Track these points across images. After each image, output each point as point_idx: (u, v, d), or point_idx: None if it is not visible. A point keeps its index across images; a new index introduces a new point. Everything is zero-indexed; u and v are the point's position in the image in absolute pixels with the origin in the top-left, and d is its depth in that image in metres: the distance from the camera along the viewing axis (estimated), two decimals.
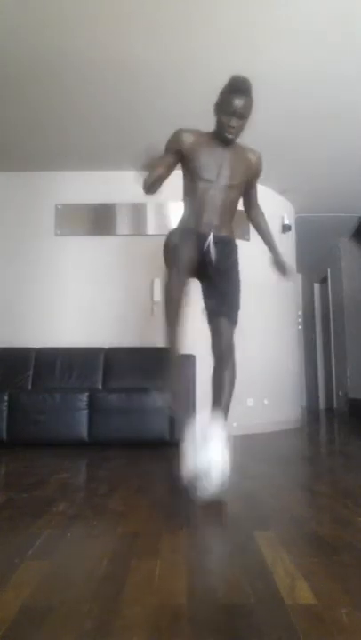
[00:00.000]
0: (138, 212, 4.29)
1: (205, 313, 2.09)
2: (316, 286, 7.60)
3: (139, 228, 4.27)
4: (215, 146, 2.03)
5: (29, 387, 3.78)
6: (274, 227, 4.73)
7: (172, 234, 2.09)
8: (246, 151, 2.12)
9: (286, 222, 4.81)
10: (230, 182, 2.05)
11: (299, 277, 7.03)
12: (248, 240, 4.35)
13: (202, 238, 2.02)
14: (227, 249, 2.11)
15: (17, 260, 4.26)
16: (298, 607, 0.90)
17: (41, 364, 3.86)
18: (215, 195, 2.04)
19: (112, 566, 1.13)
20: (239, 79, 1.96)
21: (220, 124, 1.98)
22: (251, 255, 4.61)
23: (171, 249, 2.01)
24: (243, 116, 1.95)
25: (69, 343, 3.99)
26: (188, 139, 2.03)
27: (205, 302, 2.10)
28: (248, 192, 2.22)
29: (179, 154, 2.05)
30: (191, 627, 0.84)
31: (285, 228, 4.81)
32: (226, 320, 2.06)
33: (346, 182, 4.64)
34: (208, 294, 2.09)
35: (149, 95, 3.23)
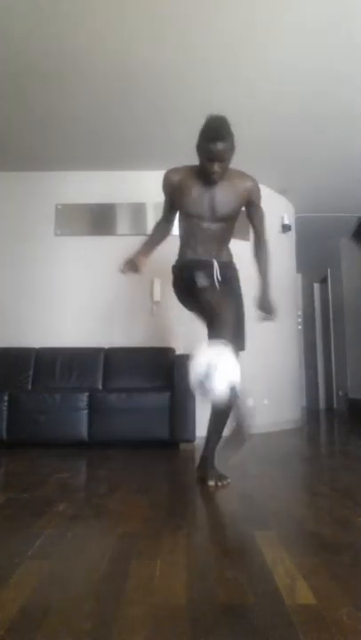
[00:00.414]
0: (138, 212, 4.29)
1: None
2: (316, 286, 7.60)
3: (139, 228, 4.27)
4: (203, 181, 2.05)
5: (29, 387, 3.78)
6: (274, 227, 4.77)
7: (177, 268, 2.19)
8: (240, 179, 2.10)
9: (286, 222, 4.81)
10: (222, 215, 2.08)
11: (299, 277, 7.03)
12: (248, 240, 4.36)
13: (206, 265, 2.08)
14: (228, 273, 2.16)
15: (17, 260, 4.26)
16: (298, 607, 0.90)
17: (41, 363, 3.86)
18: (209, 228, 2.10)
19: (112, 566, 1.13)
20: (215, 124, 1.95)
21: (203, 168, 2.01)
22: (250, 255, 4.60)
23: (183, 281, 2.10)
24: (224, 159, 1.96)
25: (69, 343, 3.99)
26: (174, 178, 2.11)
27: (210, 333, 2.00)
28: (251, 223, 2.22)
29: (173, 194, 2.14)
30: (191, 627, 0.84)
31: (285, 228, 4.81)
32: (240, 349, 2.07)
33: (346, 182, 4.64)
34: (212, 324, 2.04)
35: (150, 95, 3.23)
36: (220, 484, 2.02)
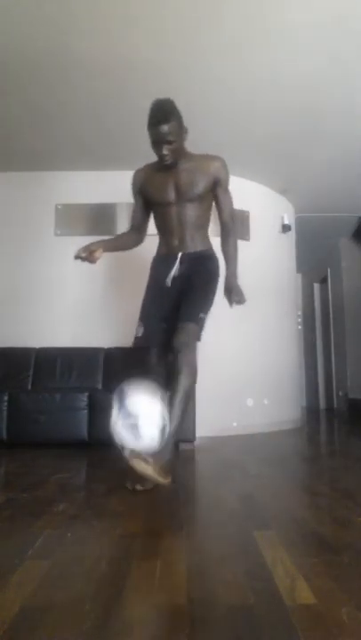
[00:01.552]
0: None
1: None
2: (316, 286, 7.60)
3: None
4: (164, 170, 2.05)
5: (29, 387, 3.77)
6: (274, 227, 4.78)
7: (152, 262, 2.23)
8: (203, 160, 2.06)
9: (286, 222, 4.81)
10: (189, 196, 2.04)
11: (299, 277, 7.03)
12: (248, 240, 4.37)
13: (170, 262, 2.09)
14: (196, 264, 2.09)
15: (17, 260, 4.26)
16: (298, 607, 0.90)
17: (41, 363, 3.86)
18: (177, 213, 2.07)
19: (112, 566, 1.13)
20: (155, 107, 1.93)
21: (156, 155, 2.00)
22: (251, 255, 4.62)
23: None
24: (170, 141, 1.92)
25: (69, 343, 3.99)
26: (139, 177, 2.15)
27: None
28: (218, 208, 2.14)
29: (141, 192, 2.16)
30: (191, 627, 0.84)
31: (285, 228, 4.81)
32: (186, 318, 1.97)
33: (346, 182, 4.64)
34: (180, 304, 2.05)
35: (151, 95, 3.22)
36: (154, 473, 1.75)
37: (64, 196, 4.30)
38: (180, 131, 1.96)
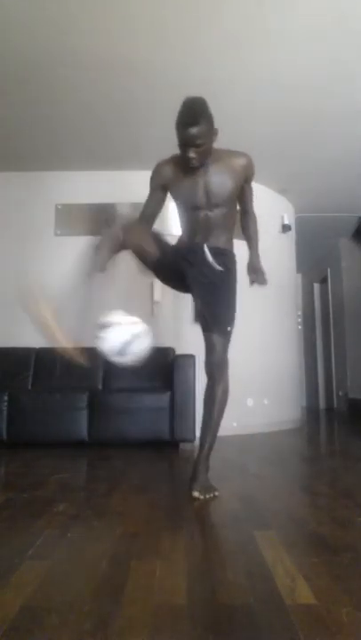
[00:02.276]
0: (138, 212, 4.29)
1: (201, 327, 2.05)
2: (316, 286, 7.60)
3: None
4: (192, 171, 1.96)
5: (29, 387, 3.77)
6: (274, 227, 4.78)
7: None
8: (231, 157, 1.99)
9: (286, 222, 4.81)
10: (221, 200, 1.99)
11: (299, 277, 7.03)
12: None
13: (197, 248, 2.02)
14: (221, 259, 2.03)
15: (17, 260, 4.25)
16: (298, 607, 0.90)
17: (41, 363, 3.86)
18: (207, 217, 2.01)
19: (112, 566, 1.13)
20: (183, 108, 1.85)
21: (183, 156, 1.91)
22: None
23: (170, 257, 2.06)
24: (198, 144, 1.83)
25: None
26: (165, 172, 2.04)
27: (196, 316, 2.05)
28: (240, 198, 2.11)
29: (165, 187, 2.07)
30: (191, 627, 0.84)
31: (285, 228, 4.81)
32: (215, 335, 1.98)
33: (346, 182, 4.64)
34: (199, 306, 2.04)
35: (151, 94, 3.23)
36: (206, 496, 1.80)
37: (64, 196, 4.30)
38: (210, 133, 1.86)
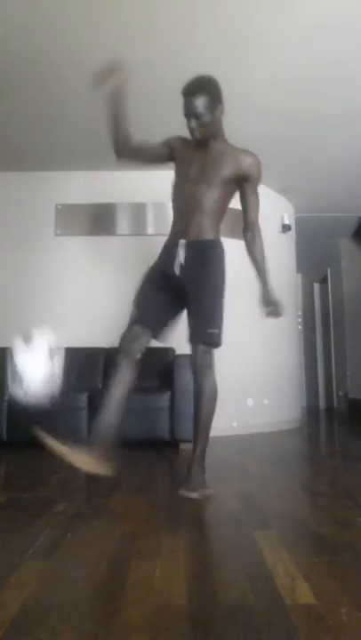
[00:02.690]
0: (138, 211, 4.29)
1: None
2: (316, 286, 7.60)
3: (139, 228, 4.27)
4: (196, 146, 1.98)
5: None
6: (274, 227, 4.78)
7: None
8: (238, 152, 1.96)
9: (286, 222, 4.81)
10: (210, 176, 1.93)
11: (299, 277, 7.03)
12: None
13: (174, 249, 1.98)
14: (203, 254, 1.96)
15: (17, 260, 4.25)
16: (298, 607, 0.90)
17: None
18: (193, 191, 1.95)
19: (112, 566, 1.13)
20: (191, 80, 1.89)
21: (187, 127, 1.93)
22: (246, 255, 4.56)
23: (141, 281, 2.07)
24: (199, 115, 1.85)
25: (69, 343, 3.99)
26: (176, 141, 2.07)
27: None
28: (242, 201, 2.04)
29: (169, 149, 2.08)
30: (191, 627, 0.84)
31: (285, 228, 4.81)
32: (195, 339, 1.93)
33: (346, 182, 4.64)
34: (188, 311, 1.99)
35: (151, 94, 3.23)
36: (203, 496, 1.80)
37: (64, 196, 4.30)
38: (212, 107, 1.86)
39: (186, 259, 1.95)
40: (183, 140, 2.06)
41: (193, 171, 1.97)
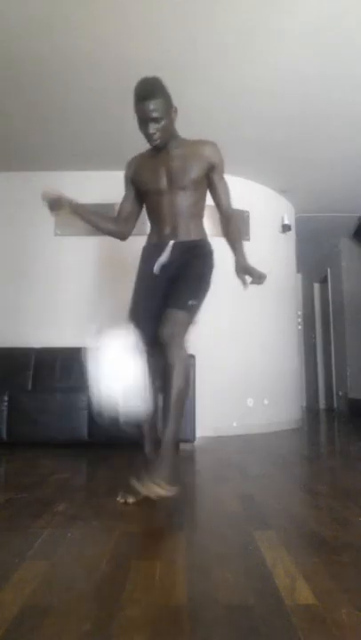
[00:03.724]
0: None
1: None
2: (316, 286, 7.60)
3: (139, 228, 4.26)
4: (156, 156, 1.96)
5: (29, 387, 3.77)
6: (274, 227, 4.78)
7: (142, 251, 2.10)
8: (196, 145, 1.93)
9: (286, 222, 4.81)
10: (183, 183, 1.92)
11: (299, 277, 7.03)
12: (248, 240, 4.37)
13: (161, 248, 1.95)
14: (188, 253, 1.94)
15: (17, 260, 4.26)
16: (298, 607, 0.90)
17: (41, 363, 3.86)
18: (170, 201, 1.94)
19: (112, 566, 1.13)
20: (139, 84, 1.86)
21: (144, 134, 1.90)
22: (251, 255, 4.56)
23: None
24: (156, 118, 1.82)
25: (69, 343, 3.99)
26: (131, 166, 2.05)
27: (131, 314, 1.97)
28: (212, 191, 1.99)
29: (134, 181, 2.05)
30: (191, 627, 0.84)
31: (285, 228, 4.81)
32: (173, 309, 1.79)
33: (346, 182, 4.64)
34: (169, 293, 1.89)
35: None
36: (159, 491, 1.58)
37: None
38: (168, 109, 1.85)
39: (171, 258, 1.93)
40: (136, 158, 2.05)
41: (161, 182, 1.95)
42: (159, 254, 1.96)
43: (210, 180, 1.96)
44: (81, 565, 1.14)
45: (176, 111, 1.91)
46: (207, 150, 1.92)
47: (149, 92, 1.83)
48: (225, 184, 1.99)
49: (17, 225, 4.32)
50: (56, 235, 4.27)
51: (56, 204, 2.06)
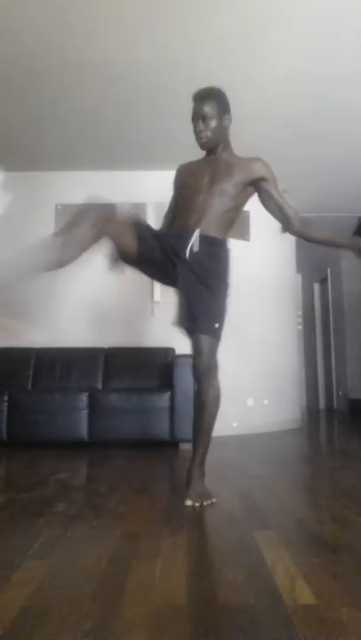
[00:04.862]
0: (138, 212, 4.29)
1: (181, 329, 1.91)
2: (316, 286, 7.60)
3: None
4: (204, 161, 2.01)
5: (29, 387, 3.78)
6: (274, 227, 4.75)
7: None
8: (246, 161, 1.96)
9: None
10: (221, 187, 1.92)
11: (299, 277, 7.03)
12: (248, 240, 4.37)
13: (186, 234, 1.86)
14: (212, 250, 1.89)
15: None
16: (298, 607, 0.90)
17: (41, 363, 3.86)
18: (205, 201, 1.92)
19: (112, 566, 1.13)
20: (200, 89, 1.95)
21: (194, 132, 1.95)
22: (250, 255, 4.61)
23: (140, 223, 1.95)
24: (206, 116, 1.89)
25: (69, 343, 3.99)
26: (182, 169, 2.08)
27: (178, 318, 1.90)
28: (268, 204, 2.02)
29: (176, 188, 2.09)
30: (191, 627, 0.84)
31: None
32: (202, 335, 1.84)
33: (346, 182, 4.64)
34: (184, 304, 1.88)
35: (149, 96, 3.23)
36: (203, 503, 1.71)
37: (64, 196, 4.30)
38: (221, 113, 1.91)
39: (200, 247, 1.87)
40: (185, 164, 2.09)
41: (202, 180, 1.95)
42: (186, 237, 1.87)
43: (263, 193, 2.00)
44: (81, 565, 1.14)
45: (230, 120, 1.96)
46: (256, 164, 1.95)
47: (206, 93, 1.92)
48: (284, 198, 2.03)
49: (17, 225, 4.31)
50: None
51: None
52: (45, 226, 4.27)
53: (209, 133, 1.91)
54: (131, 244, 1.81)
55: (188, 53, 2.83)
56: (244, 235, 4.27)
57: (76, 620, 0.86)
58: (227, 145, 1.99)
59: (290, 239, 5.09)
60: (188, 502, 1.71)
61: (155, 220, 4.25)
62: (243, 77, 3.07)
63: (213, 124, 1.90)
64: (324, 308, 7.24)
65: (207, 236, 1.91)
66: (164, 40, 2.72)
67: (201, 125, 1.90)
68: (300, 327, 6.60)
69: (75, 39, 2.70)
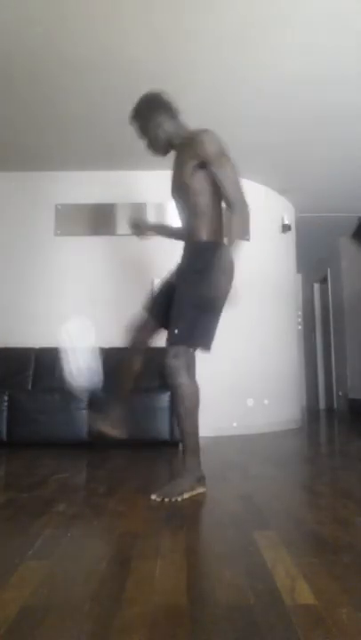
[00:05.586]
0: (138, 212, 4.29)
1: None
2: (316, 286, 7.60)
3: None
4: (174, 163, 2.03)
5: (29, 387, 3.77)
6: (274, 227, 4.78)
7: None
8: (188, 141, 1.86)
9: (286, 222, 4.81)
10: (178, 184, 1.93)
11: (299, 278, 7.04)
12: (248, 240, 4.36)
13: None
14: (200, 255, 1.90)
15: (17, 260, 4.26)
16: (298, 607, 0.90)
17: (41, 363, 3.86)
18: (180, 206, 2.00)
19: (112, 566, 1.12)
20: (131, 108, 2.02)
21: None
22: (251, 255, 4.59)
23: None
24: (143, 136, 2.01)
25: None
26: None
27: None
28: (215, 182, 1.85)
29: None
30: (191, 627, 0.84)
31: (285, 228, 4.81)
32: (167, 339, 1.94)
33: (346, 182, 4.64)
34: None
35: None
36: (165, 500, 1.76)
37: (64, 196, 4.30)
38: (153, 123, 1.95)
39: (181, 259, 2.02)
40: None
41: (171, 187, 2.03)
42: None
43: (210, 171, 1.84)
44: (81, 565, 1.14)
45: (172, 115, 1.97)
46: (196, 144, 1.82)
47: (130, 117, 2.00)
48: (225, 171, 1.81)
49: (17, 225, 4.32)
50: (56, 235, 4.28)
51: (138, 230, 2.24)
52: (45, 226, 4.28)
53: (153, 148, 2.01)
54: (153, 324, 2.09)
55: (187, 55, 2.83)
56: (244, 234, 4.27)
57: (76, 620, 0.86)
58: (178, 133, 1.98)
59: (290, 239, 5.09)
60: (152, 496, 1.79)
61: (154, 220, 4.26)
62: (243, 78, 3.07)
63: (152, 136, 1.98)
64: (324, 308, 7.24)
65: (192, 243, 1.97)
66: (164, 41, 2.72)
67: (145, 143, 2.02)
68: (300, 327, 6.60)
69: (75, 39, 2.70)
